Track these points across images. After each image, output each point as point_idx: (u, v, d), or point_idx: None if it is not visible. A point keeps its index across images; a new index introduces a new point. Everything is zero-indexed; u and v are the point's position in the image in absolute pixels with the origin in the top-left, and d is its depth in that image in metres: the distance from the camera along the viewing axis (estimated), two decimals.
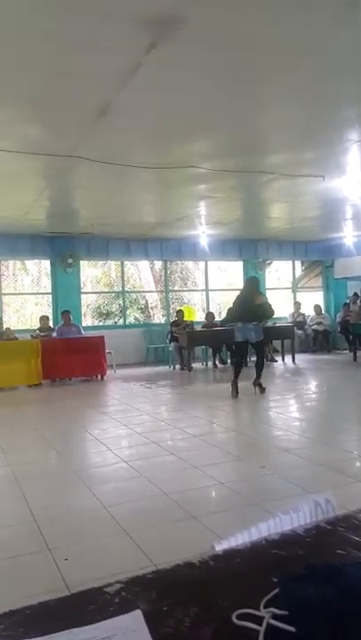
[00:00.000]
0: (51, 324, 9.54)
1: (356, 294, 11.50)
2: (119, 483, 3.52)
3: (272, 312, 6.89)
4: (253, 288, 6.77)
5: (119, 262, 11.54)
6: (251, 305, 6.51)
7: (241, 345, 6.84)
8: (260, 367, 6.73)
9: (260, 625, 0.67)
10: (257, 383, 6.69)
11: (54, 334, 9.14)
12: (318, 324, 11.81)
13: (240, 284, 12.50)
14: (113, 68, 3.25)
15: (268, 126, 4.43)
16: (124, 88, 3.53)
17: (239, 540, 0.94)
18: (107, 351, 8.98)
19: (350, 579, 0.69)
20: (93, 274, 14.49)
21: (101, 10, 2.58)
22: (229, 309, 7.34)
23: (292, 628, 0.62)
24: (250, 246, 11.70)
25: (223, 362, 10.29)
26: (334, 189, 6.47)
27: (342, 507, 1.03)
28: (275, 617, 0.67)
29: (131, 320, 14.23)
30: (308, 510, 1.04)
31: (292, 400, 6.43)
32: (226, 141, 4.79)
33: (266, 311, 6.68)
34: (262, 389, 6.64)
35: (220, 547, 0.93)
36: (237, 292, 7.09)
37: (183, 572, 0.86)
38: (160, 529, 2.73)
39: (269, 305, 6.82)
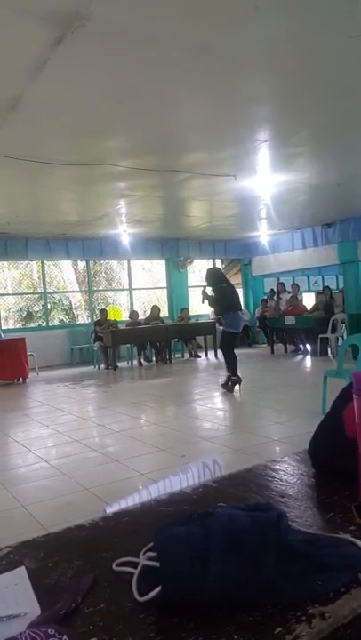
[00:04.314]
0: None
1: (272, 290, 12.07)
2: (39, 481, 3.47)
3: None
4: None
5: (40, 263, 11.26)
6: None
7: (237, 336, 6.68)
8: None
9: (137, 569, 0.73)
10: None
11: None
12: None
13: (164, 283, 12.69)
14: (21, 63, 3.20)
15: (180, 125, 4.53)
16: (33, 83, 3.49)
17: (130, 502, 1.01)
18: (28, 353, 8.74)
19: (216, 519, 0.77)
20: (14, 275, 13.99)
21: (9, 3, 2.55)
22: (218, 300, 6.58)
23: (156, 564, 0.69)
24: (171, 245, 11.87)
25: (148, 359, 10.37)
26: (246, 189, 6.75)
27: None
28: (151, 559, 0.74)
29: (55, 322, 13.91)
30: (197, 471, 1.13)
31: (215, 392, 6.64)
32: (141, 139, 4.84)
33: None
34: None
35: (110, 509, 0.99)
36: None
37: (72, 534, 0.91)
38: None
39: None
